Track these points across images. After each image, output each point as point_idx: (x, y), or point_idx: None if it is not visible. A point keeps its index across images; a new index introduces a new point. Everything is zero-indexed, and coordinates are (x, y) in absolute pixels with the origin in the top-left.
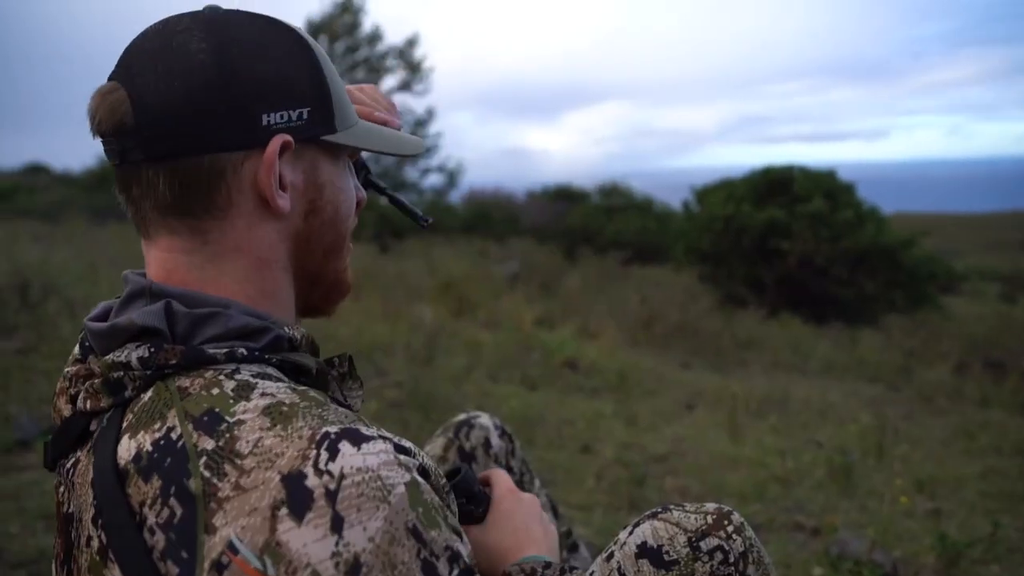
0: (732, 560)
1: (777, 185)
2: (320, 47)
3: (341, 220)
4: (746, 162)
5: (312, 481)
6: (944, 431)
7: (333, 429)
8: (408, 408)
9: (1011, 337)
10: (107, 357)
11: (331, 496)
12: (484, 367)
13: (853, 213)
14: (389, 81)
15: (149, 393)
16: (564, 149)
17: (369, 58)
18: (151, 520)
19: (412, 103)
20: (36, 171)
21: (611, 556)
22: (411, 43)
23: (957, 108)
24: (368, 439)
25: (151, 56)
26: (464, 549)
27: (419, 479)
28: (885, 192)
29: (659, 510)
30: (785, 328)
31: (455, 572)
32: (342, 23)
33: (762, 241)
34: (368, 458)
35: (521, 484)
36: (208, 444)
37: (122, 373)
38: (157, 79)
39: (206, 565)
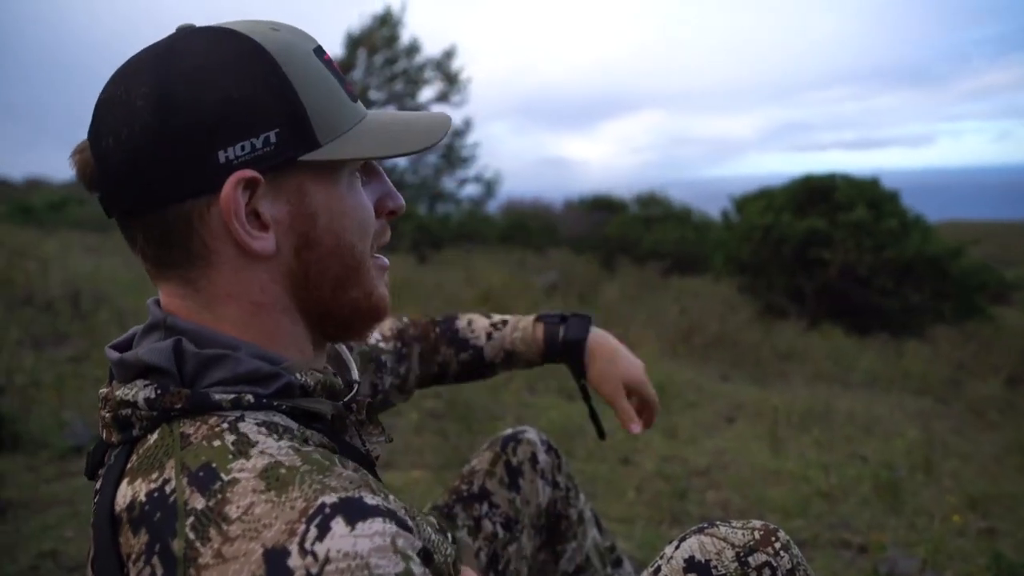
0: None
1: (818, 194)
2: (294, 49)
3: (348, 248)
4: (787, 170)
5: (295, 561)
6: (996, 446)
7: (330, 500)
8: (448, 419)
9: None
10: (117, 393)
11: None
12: (522, 378)
13: (897, 222)
14: (427, 92)
15: (155, 436)
16: (602, 158)
17: (407, 70)
18: None
19: (450, 114)
20: None
21: (658, 571)
22: (449, 55)
23: (1006, 113)
24: (368, 515)
25: (107, 108)
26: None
27: (414, 569)
28: (932, 199)
29: (705, 525)
30: (826, 339)
31: None
32: (380, 36)
33: (802, 251)
34: (360, 542)
35: (567, 499)
36: (199, 503)
37: (130, 411)
38: (109, 133)
39: None
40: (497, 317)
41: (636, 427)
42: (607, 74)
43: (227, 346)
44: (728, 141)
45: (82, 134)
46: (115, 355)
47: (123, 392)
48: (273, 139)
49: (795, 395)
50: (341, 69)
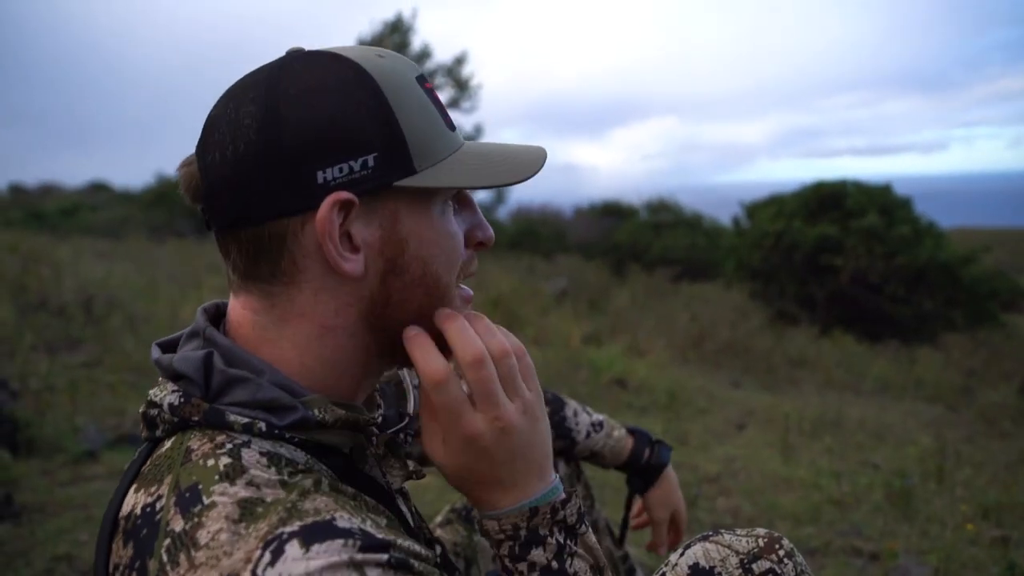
0: None
1: (829, 200)
2: (397, 76)
3: (433, 277)
4: (798, 176)
5: None
6: (1008, 455)
7: (292, 528)
8: None
9: None
10: (149, 392)
11: None
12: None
13: (910, 229)
14: None
15: (168, 444)
16: (612, 165)
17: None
18: None
19: (461, 120)
20: (98, 189)
21: None
22: (459, 61)
23: (1021, 118)
24: (330, 537)
25: (215, 124)
26: None
27: (367, 557)
28: (945, 206)
29: (710, 533)
30: (838, 346)
31: None
32: (391, 42)
33: (814, 257)
34: (312, 563)
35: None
36: (177, 525)
37: (156, 413)
38: (216, 149)
39: None
40: (596, 416)
41: (663, 550)
42: (617, 81)
43: (253, 369)
44: (739, 147)
45: (96, 140)
46: (155, 354)
47: (154, 392)
48: (371, 163)
49: (806, 402)
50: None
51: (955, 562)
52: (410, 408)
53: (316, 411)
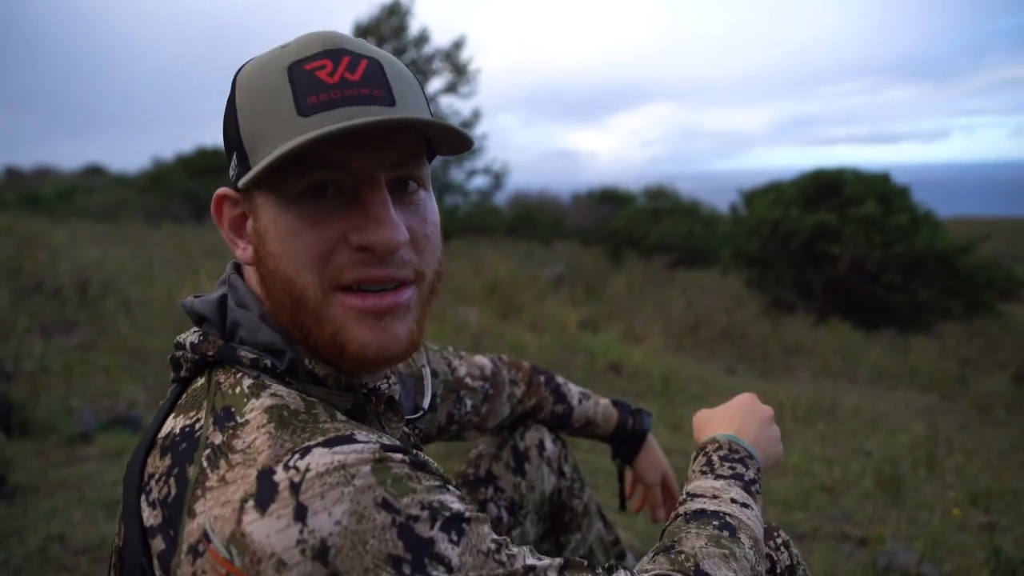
0: (779, 571)
1: (827, 188)
2: (258, 71)
3: (283, 276)
4: (798, 164)
5: (279, 476)
6: (1001, 443)
7: (317, 440)
8: None
9: None
10: (178, 336)
11: (295, 488)
12: None
13: (907, 217)
14: (436, 83)
15: (201, 380)
16: (611, 151)
17: (416, 60)
18: (154, 494)
19: (458, 105)
20: (94, 172)
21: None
22: (457, 45)
23: (1022, 107)
24: (351, 442)
25: None
26: (450, 496)
27: (388, 455)
28: (945, 195)
29: None
30: (834, 334)
31: (439, 525)
32: (389, 25)
33: (811, 245)
34: (337, 455)
35: (572, 490)
36: (216, 439)
37: (180, 353)
38: None
39: (184, 547)
40: (583, 389)
41: (661, 514)
42: (617, 66)
43: (260, 315)
44: (738, 134)
45: (93, 124)
46: (188, 300)
47: (182, 335)
48: (235, 162)
49: (801, 389)
50: (348, 62)
51: (942, 547)
52: (425, 403)
53: (307, 361)
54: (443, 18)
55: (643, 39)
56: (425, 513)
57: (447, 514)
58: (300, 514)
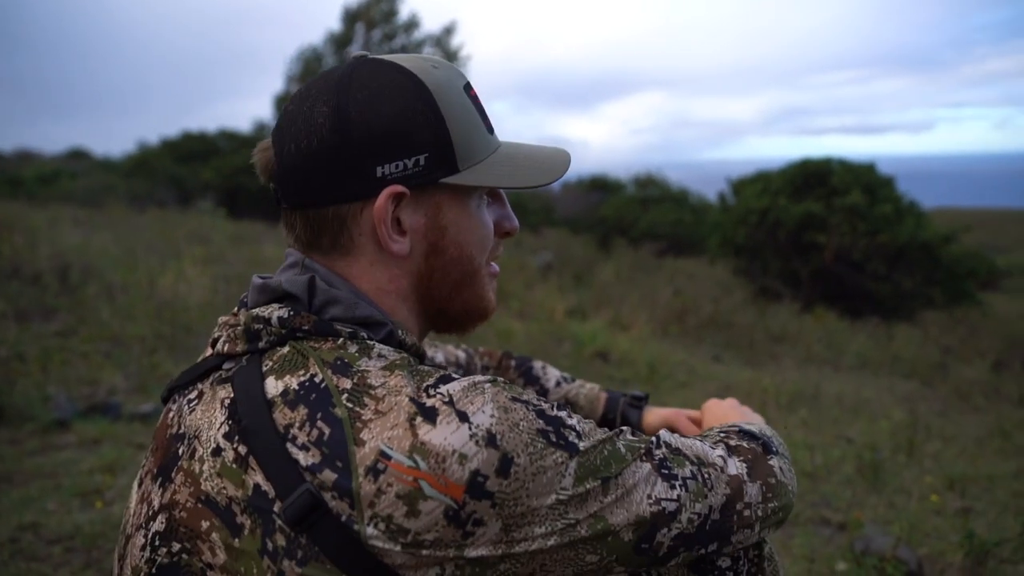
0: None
1: (814, 178)
2: (448, 86)
3: (468, 258)
4: (787, 154)
5: (429, 401)
6: (979, 429)
7: (437, 376)
8: None
9: None
10: (254, 311)
11: (449, 403)
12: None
13: (892, 207)
14: None
15: (286, 348)
16: (602, 139)
17: (405, 46)
18: (302, 439)
19: None
20: (78, 156)
21: None
22: (448, 31)
23: (1007, 100)
24: (458, 376)
25: (292, 120)
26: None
27: (496, 378)
28: (930, 186)
29: None
30: (819, 322)
31: (555, 408)
32: (379, 10)
33: (798, 234)
34: (462, 381)
35: None
36: (346, 384)
37: (261, 326)
38: (292, 141)
39: (361, 471)
40: (567, 374)
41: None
42: (609, 55)
43: (350, 292)
44: (729, 124)
45: (76, 107)
46: (259, 280)
47: (260, 310)
48: (423, 162)
49: (786, 377)
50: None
51: (918, 531)
52: None
53: (401, 332)
54: (433, 3)
55: (635, 28)
56: (543, 402)
57: (554, 402)
58: (463, 417)
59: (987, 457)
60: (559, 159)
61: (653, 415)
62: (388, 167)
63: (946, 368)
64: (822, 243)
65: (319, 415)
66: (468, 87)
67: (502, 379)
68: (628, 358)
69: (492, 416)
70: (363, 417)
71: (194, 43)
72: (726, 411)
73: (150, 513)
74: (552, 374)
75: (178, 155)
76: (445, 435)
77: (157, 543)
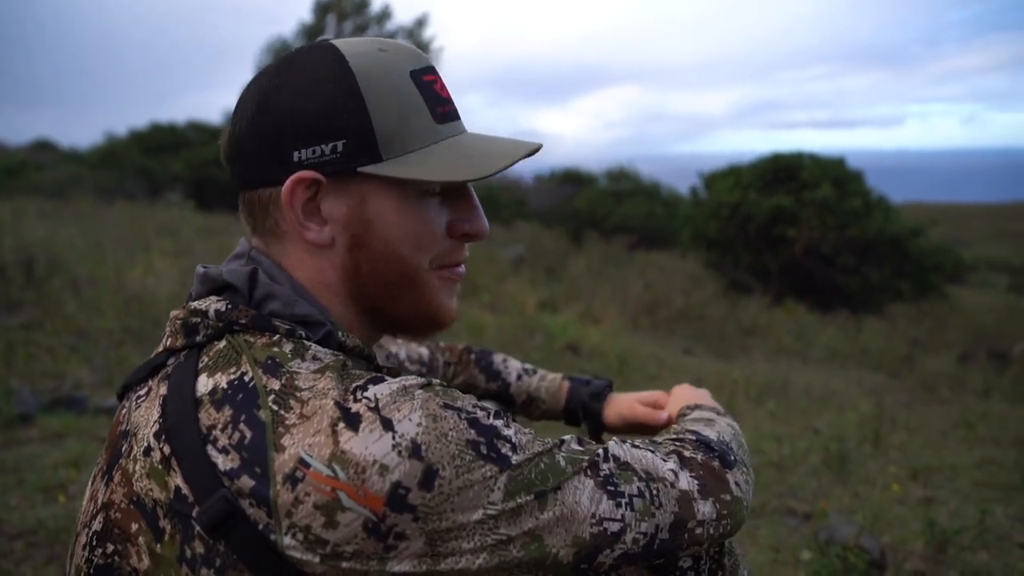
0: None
1: (784, 172)
2: (382, 70)
3: (398, 257)
4: (759, 147)
5: (354, 406)
6: (944, 420)
7: (368, 378)
8: None
9: (1017, 327)
10: (192, 304)
11: (374, 409)
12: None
13: (861, 201)
14: None
15: (223, 343)
16: (575, 133)
17: (378, 37)
18: (223, 441)
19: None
20: (43, 148)
21: None
22: (420, 23)
23: (974, 96)
24: (392, 378)
25: (238, 102)
26: (488, 403)
27: (431, 381)
28: (899, 181)
29: None
30: (789, 315)
31: (491, 416)
32: (351, 2)
33: (768, 228)
34: (392, 384)
35: None
36: (275, 385)
37: (199, 320)
38: (235, 123)
39: (279, 478)
40: (529, 365)
41: (663, 414)
42: (583, 48)
43: (295, 289)
44: (701, 117)
45: (41, 97)
46: (202, 270)
47: (198, 303)
48: (340, 148)
49: (755, 369)
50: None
51: (881, 520)
52: None
53: (340, 333)
54: None
55: (609, 21)
56: (478, 410)
57: (492, 409)
58: (387, 425)
59: (951, 448)
60: (517, 149)
61: (613, 410)
62: (305, 152)
63: (913, 360)
64: (792, 237)
65: (243, 417)
66: (423, 72)
67: (439, 383)
68: (599, 351)
69: (419, 425)
70: (286, 421)
71: (167, 35)
72: (694, 395)
73: (93, 511)
74: (513, 367)
75: (147, 147)
76: (366, 444)
77: (95, 543)
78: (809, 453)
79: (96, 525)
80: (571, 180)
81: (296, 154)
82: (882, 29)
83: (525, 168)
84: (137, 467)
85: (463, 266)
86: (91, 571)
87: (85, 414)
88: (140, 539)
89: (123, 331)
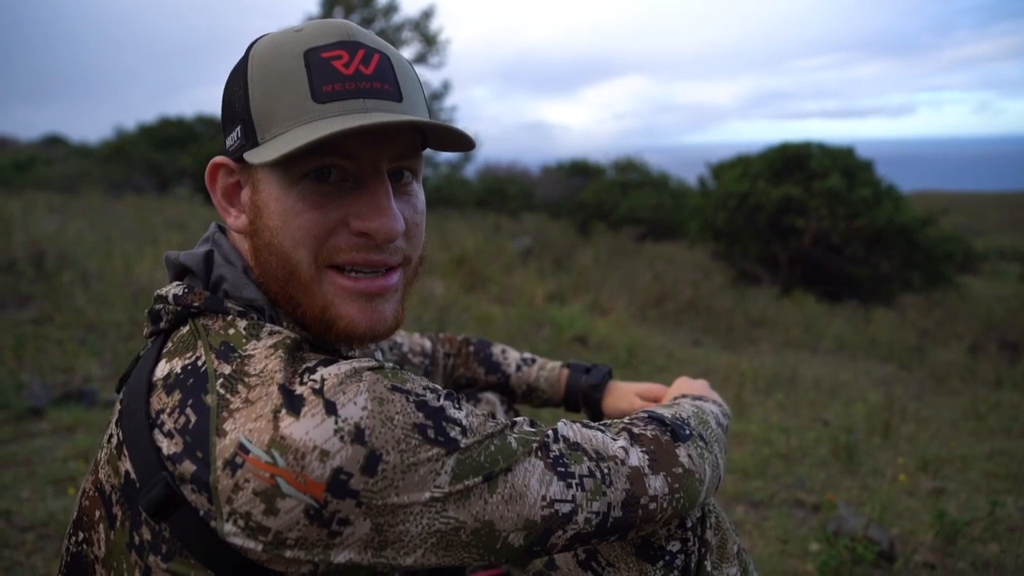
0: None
1: (794, 161)
2: (273, 51)
3: (280, 249)
4: (768, 138)
5: (299, 389)
6: (954, 411)
7: (318, 360)
8: None
9: None
10: (157, 291)
11: (318, 392)
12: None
13: (871, 191)
14: (405, 53)
15: (186, 328)
16: (583, 124)
17: (385, 30)
18: (168, 425)
19: (428, 76)
20: (53, 142)
21: None
22: (427, 15)
23: (986, 84)
24: (344, 361)
25: None
26: (438, 385)
27: (383, 364)
28: (910, 170)
29: None
30: (798, 306)
31: (441, 398)
32: None
33: (777, 218)
34: (342, 367)
35: None
36: (225, 369)
37: (161, 306)
38: None
39: (219, 464)
40: (528, 354)
41: None
42: (591, 39)
43: (245, 271)
44: (710, 108)
45: (52, 93)
46: (168, 256)
47: (163, 289)
48: (238, 135)
49: (764, 361)
50: (363, 55)
51: (890, 512)
52: None
53: (285, 324)
54: None
55: (617, 12)
56: (428, 392)
57: (442, 392)
58: (331, 408)
59: (961, 439)
60: (372, 119)
61: (612, 403)
62: (228, 139)
63: (923, 351)
64: (801, 227)
65: (190, 401)
66: (325, 49)
67: (390, 364)
68: (607, 342)
69: (364, 408)
70: (231, 406)
71: (175, 29)
72: (691, 386)
73: (77, 501)
74: (512, 358)
75: (155, 141)
76: (307, 429)
77: (71, 530)
78: (818, 444)
79: (75, 513)
80: (579, 171)
81: (226, 141)
82: (893, 17)
83: (535, 159)
84: (102, 454)
85: (384, 274)
86: (68, 559)
87: (95, 407)
88: (100, 526)
89: (132, 324)
